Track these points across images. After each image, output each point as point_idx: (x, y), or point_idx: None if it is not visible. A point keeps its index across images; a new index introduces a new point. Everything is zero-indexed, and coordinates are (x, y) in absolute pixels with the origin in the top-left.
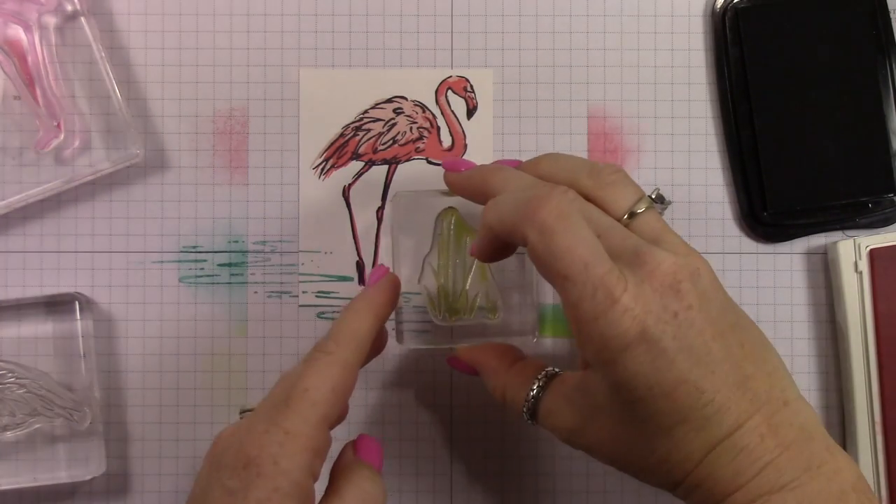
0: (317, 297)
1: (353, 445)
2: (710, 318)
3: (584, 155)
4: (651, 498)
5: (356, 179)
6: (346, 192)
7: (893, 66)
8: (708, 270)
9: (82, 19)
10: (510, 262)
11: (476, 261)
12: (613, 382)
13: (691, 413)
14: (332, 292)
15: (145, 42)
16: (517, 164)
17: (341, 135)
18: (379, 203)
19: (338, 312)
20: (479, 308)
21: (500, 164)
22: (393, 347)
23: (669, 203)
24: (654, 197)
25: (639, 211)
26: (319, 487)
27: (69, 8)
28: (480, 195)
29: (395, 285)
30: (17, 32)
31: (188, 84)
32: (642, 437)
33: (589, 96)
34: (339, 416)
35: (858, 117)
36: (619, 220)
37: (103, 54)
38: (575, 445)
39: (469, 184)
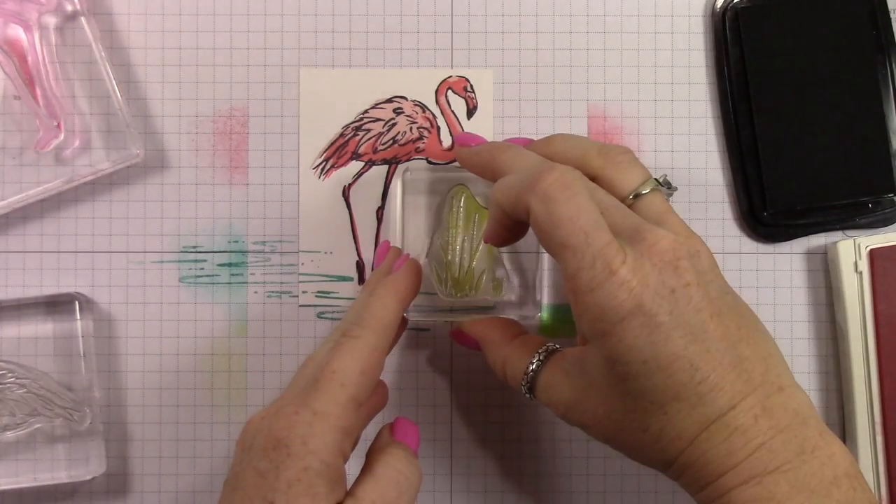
0: (317, 297)
1: (390, 427)
2: (707, 297)
3: None
4: (651, 479)
5: (356, 179)
6: (346, 192)
7: (893, 66)
8: (708, 254)
9: (82, 19)
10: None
11: (481, 240)
12: (609, 355)
13: (685, 390)
14: (332, 292)
15: (145, 42)
16: (527, 143)
17: (341, 135)
18: (379, 203)
19: (337, 313)
20: (484, 285)
21: (510, 143)
22: (394, 348)
23: (675, 189)
24: (660, 181)
25: (644, 192)
26: (355, 471)
27: (69, 8)
28: (489, 171)
29: (418, 271)
30: (17, 32)
31: (188, 84)
32: (636, 413)
33: (589, 96)
34: (375, 404)
35: (858, 117)
36: (624, 199)
37: (103, 54)
38: (571, 421)
39: (478, 159)
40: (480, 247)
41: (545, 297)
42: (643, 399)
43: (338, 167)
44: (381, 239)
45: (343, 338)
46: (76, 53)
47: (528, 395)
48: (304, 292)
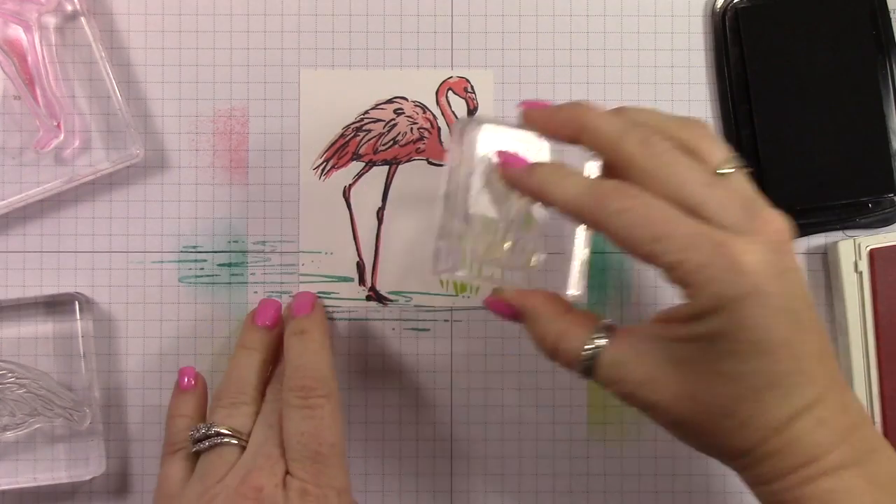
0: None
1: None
2: (804, 284)
3: None
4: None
5: (357, 180)
6: (346, 193)
7: (893, 66)
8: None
9: (82, 19)
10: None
11: (524, 207)
12: (718, 331)
13: (783, 378)
14: (333, 293)
15: (145, 42)
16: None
17: (342, 135)
18: (380, 203)
19: (337, 313)
20: (517, 252)
21: (591, 105)
22: (395, 348)
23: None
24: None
25: (728, 170)
26: None
27: (69, 8)
28: (569, 133)
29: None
30: (17, 32)
31: (188, 84)
32: (726, 397)
33: (589, 96)
34: None
35: (858, 117)
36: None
37: (103, 54)
38: (638, 402)
39: (559, 119)
40: (520, 214)
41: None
42: (740, 382)
43: (338, 168)
44: (383, 236)
45: (317, 399)
46: (76, 53)
47: (581, 374)
48: None
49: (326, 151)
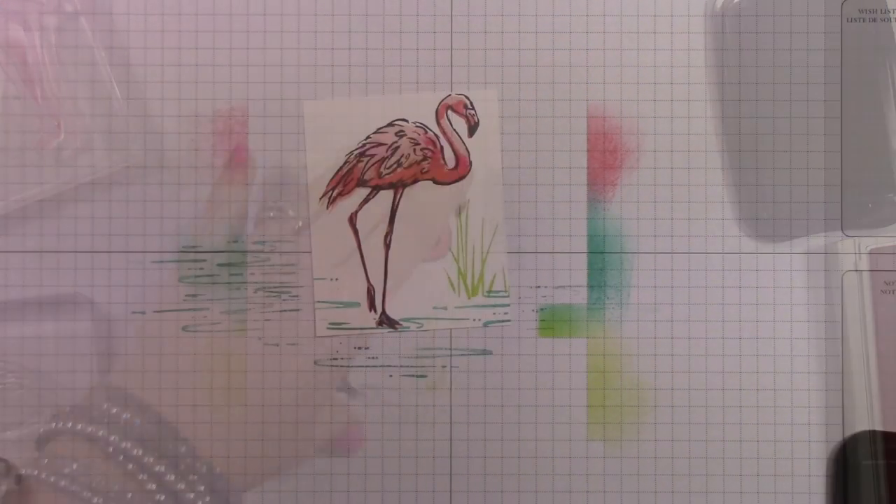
0: (329, 328)
1: None
2: None
3: (584, 154)
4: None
5: (362, 206)
6: (352, 220)
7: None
8: None
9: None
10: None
11: None
12: None
13: None
14: (344, 323)
15: (145, 42)
16: None
17: (346, 162)
18: (386, 228)
19: (346, 330)
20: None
21: None
22: (395, 348)
23: None
24: None
25: None
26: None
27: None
28: None
29: None
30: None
31: (188, 84)
32: None
33: (589, 96)
34: None
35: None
36: None
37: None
38: None
39: None
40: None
41: (544, 297)
42: None
43: (344, 195)
44: (390, 264)
45: None
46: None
47: None
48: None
49: (332, 180)
